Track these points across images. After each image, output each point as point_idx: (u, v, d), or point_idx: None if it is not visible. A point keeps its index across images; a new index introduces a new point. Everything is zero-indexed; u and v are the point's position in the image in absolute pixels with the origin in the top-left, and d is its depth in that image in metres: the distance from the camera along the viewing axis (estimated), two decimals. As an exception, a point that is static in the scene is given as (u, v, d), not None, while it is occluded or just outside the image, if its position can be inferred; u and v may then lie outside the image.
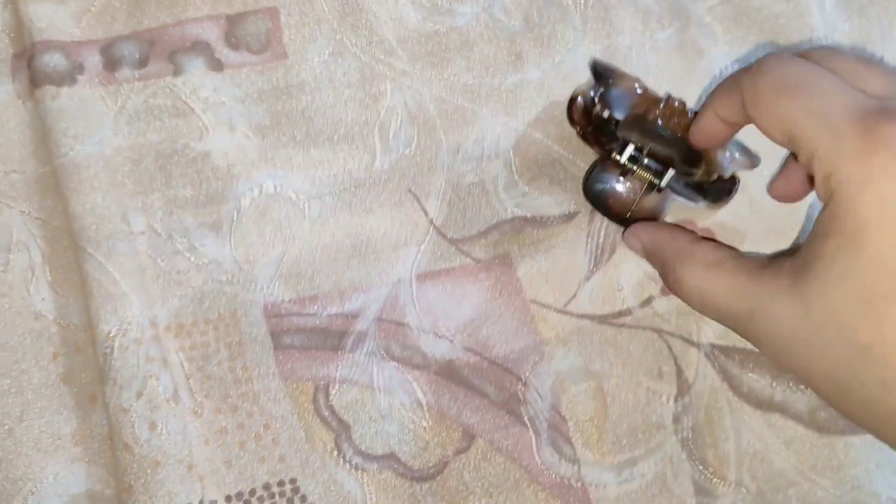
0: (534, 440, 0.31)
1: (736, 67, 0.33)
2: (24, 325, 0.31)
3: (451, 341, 0.31)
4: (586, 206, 0.32)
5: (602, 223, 0.32)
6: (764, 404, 0.31)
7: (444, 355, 0.31)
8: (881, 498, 0.31)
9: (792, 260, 0.24)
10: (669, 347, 0.32)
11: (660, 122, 0.30)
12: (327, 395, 0.31)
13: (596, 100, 0.31)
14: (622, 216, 0.31)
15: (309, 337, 0.31)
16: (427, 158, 0.32)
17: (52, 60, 0.31)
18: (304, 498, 0.30)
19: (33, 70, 0.31)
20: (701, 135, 0.29)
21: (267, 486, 0.30)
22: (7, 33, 0.32)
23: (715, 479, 0.31)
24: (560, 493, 0.30)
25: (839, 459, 0.31)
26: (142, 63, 0.32)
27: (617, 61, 0.33)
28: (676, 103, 0.30)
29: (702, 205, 0.31)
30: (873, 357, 0.22)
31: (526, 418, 0.31)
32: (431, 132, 0.32)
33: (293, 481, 0.30)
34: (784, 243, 0.33)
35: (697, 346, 0.32)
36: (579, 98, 0.32)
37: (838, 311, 0.23)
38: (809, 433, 0.31)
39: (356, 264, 0.32)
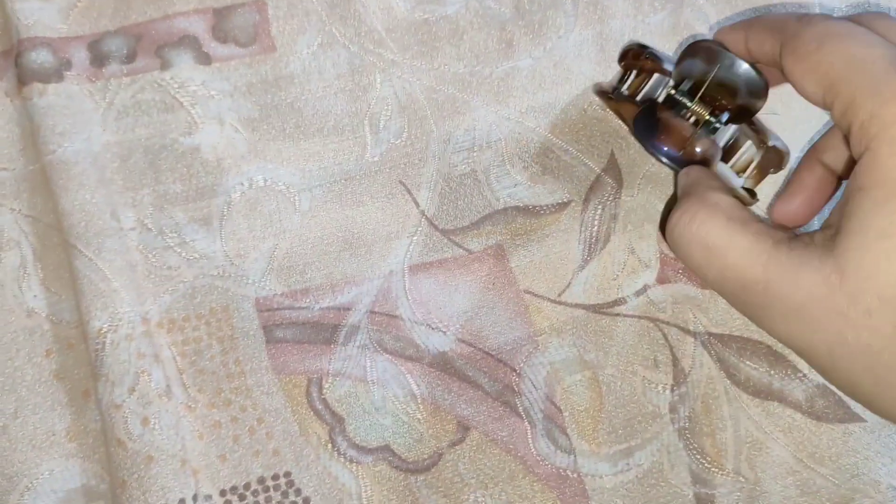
0: (529, 431, 0.31)
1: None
2: (16, 323, 0.31)
3: (445, 333, 0.31)
4: (580, 196, 0.32)
5: (596, 212, 0.32)
6: (762, 392, 0.31)
7: (438, 347, 0.31)
8: (881, 486, 0.30)
9: (822, 231, 0.23)
10: (665, 336, 0.31)
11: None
12: (320, 388, 0.31)
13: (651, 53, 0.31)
14: (674, 157, 0.30)
15: (301, 330, 0.31)
16: (418, 149, 0.32)
17: (39, 57, 0.31)
18: (298, 491, 0.30)
19: (20, 67, 0.31)
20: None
21: (261, 480, 0.30)
22: (-6, 31, 0.32)
23: (713, 469, 0.31)
24: (556, 484, 0.30)
25: (838, 447, 0.31)
26: (129, 58, 0.32)
27: (610, 46, 0.33)
28: None
29: (743, 179, 0.31)
30: None
31: (521, 409, 0.31)
32: (422, 122, 0.32)
33: (287, 475, 0.30)
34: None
35: (693, 334, 0.31)
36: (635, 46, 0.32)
37: (877, 274, 0.21)
38: (808, 421, 0.31)
39: (348, 257, 0.31)
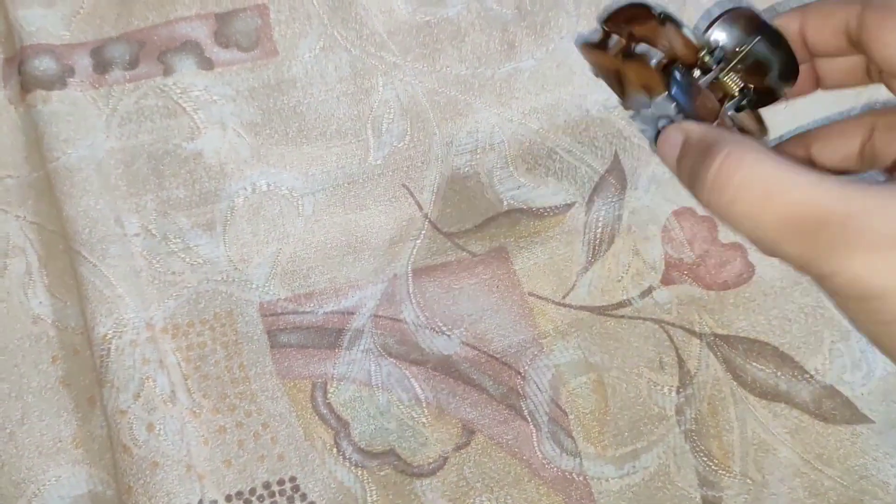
0: (534, 434, 0.30)
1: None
2: (22, 329, 0.31)
3: (449, 336, 0.31)
4: (583, 197, 0.32)
5: (600, 213, 0.32)
6: (768, 394, 0.31)
7: (442, 350, 0.31)
8: (890, 487, 0.30)
9: None
10: (670, 338, 0.31)
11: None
12: (325, 392, 0.31)
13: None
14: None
15: (305, 335, 0.31)
16: (421, 152, 0.32)
17: (43, 64, 0.31)
18: (304, 496, 0.30)
19: (24, 74, 0.31)
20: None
21: (267, 485, 0.30)
22: (-2, 38, 0.32)
23: (720, 471, 0.31)
24: (562, 487, 0.30)
25: (846, 449, 0.30)
26: (132, 64, 0.32)
27: (612, 47, 0.32)
28: None
29: None
30: None
31: (526, 412, 0.31)
32: (425, 125, 0.32)
33: (293, 479, 0.30)
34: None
35: (699, 336, 0.31)
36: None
37: None
38: (815, 423, 0.31)
39: (351, 261, 0.31)
